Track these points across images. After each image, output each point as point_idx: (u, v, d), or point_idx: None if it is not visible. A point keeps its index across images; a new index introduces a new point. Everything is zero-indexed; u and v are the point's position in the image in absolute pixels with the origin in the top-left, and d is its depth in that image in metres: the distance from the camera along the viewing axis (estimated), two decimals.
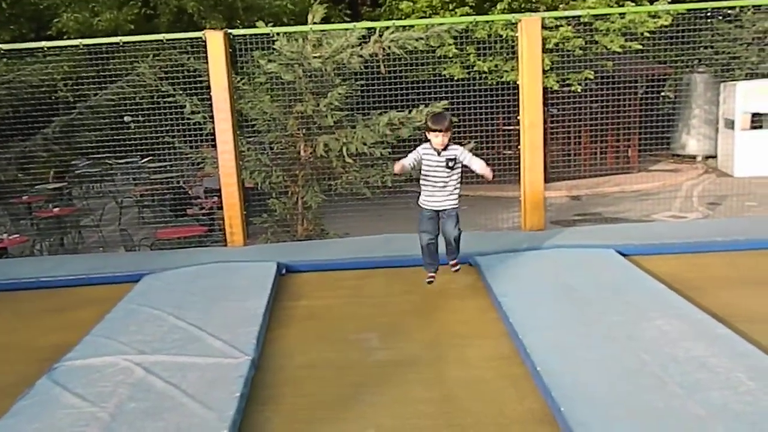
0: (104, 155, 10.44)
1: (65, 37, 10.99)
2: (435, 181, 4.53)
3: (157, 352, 3.66)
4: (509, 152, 7.87)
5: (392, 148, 7.02)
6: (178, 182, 9.77)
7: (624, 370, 3.23)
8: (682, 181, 13.39)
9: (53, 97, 8.94)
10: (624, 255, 5.24)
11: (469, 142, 7.02)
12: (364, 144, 6.80)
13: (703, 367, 3.19)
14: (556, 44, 10.66)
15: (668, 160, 15.04)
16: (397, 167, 4.53)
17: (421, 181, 4.60)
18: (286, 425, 3.13)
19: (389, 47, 6.88)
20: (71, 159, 10.92)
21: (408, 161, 4.51)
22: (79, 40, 6.55)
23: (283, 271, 5.42)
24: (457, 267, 4.88)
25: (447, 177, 4.52)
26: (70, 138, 8.48)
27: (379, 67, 6.99)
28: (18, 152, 7.98)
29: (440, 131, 4.40)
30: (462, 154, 4.48)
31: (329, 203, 7.16)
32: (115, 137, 8.00)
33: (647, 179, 13.29)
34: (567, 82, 11.08)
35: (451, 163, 4.47)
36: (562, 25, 10.70)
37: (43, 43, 6.61)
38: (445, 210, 4.58)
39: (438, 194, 4.56)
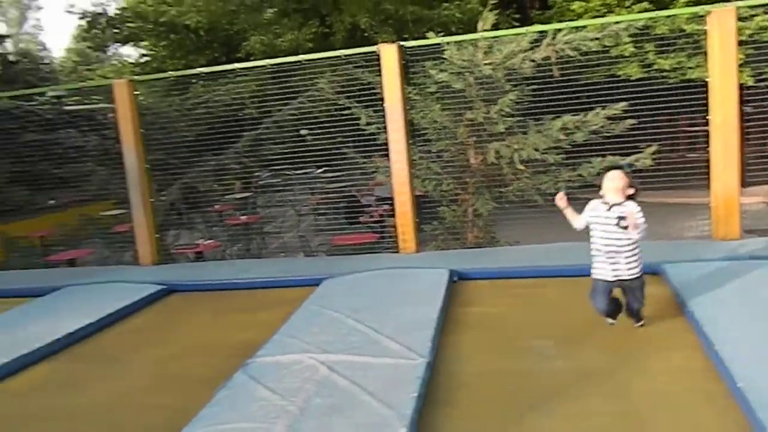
0: (284, 167, 11.19)
1: (252, 58, 11.94)
2: (606, 244, 3.89)
3: (339, 352, 3.83)
4: (694, 155, 7.27)
5: (566, 153, 6.79)
6: (350, 191, 10.20)
7: None
8: None
9: (241, 114, 9.74)
10: None
11: (651, 146, 6.59)
12: (536, 150, 6.65)
13: None
14: (750, 35, 9.69)
15: None
16: (562, 202, 4.05)
17: (591, 246, 4.01)
18: (461, 429, 3.12)
19: (562, 49, 6.67)
20: (255, 171, 11.82)
21: (579, 222, 4.05)
22: (265, 61, 7.08)
23: (456, 278, 5.44)
24: (641, 323, 4.17)
25: (620, 239, 3.84)
26: (257, 151, 9.17)
27: (551, 70, 6.80)
28: (214, 165, 8.79)
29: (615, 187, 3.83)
30: (634, 212, 3.76)
31: (500, 211, 7.07)
32: (294, 150, 8.52)
33: None
34: (763, 76, 10.01)
35: (623, 223, 3.78)
36: (757, 15, 9.71)
37: (235, 65, 7.24)
38: (623, 281, 3.92)
39: (612, 261, 3.89)
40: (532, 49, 6.81)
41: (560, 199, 4.05)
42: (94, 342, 4.99)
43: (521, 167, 6.78)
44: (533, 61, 6.78)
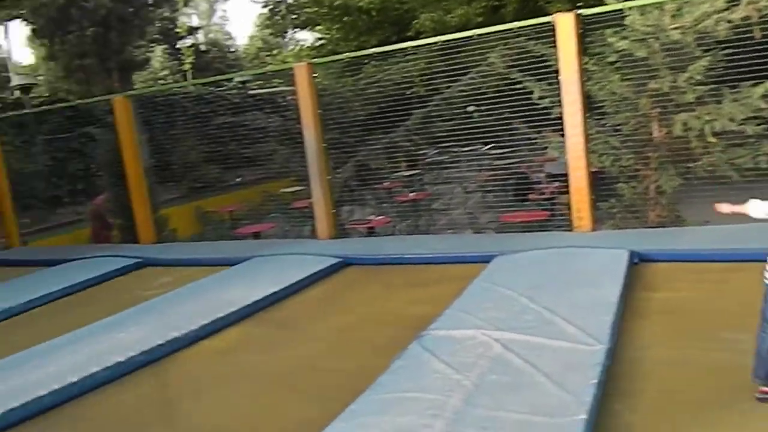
0: (452, 144, 11.21)
1: (422, 36, 12.03)
2: None
3: (513, 331, 3.77)
4: None
5: None
6: (519, 168, 9.98)
7: None
8: None
9: (411, 93, 9.88)
10: None
11: None
12: (732, 120, 6.02)
13: None
14: None
15: None
16: (725, 208, 3.22)
17: None
18: (645, 422, 2.94)
19: (766, 7, 5.95)
20: (424, 148, 11.96)
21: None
22: (436, 38, 7.08)
23: (636, 259, 5.12)
24: None
25: None
26: (426, 129, 9.26)
27: (751, 31, 6.10)
28: (385, 143, 9.03)
29: None
30: None
31: (686, 188, 6.53)
32: (463, 126, 8.48)
33: None
34: None
35: None
36: None
37: (405, 44, 7.33)
38: None
39: None
40: (728, 9, 6.15)
41: (722, 207, 3.25)
42: (278, 309, 5.37)
43: (713, 140, 6.19)
44: (730, 22, 6.13)
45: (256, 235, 9.15)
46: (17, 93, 13.78)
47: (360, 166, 9.49)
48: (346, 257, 6.47)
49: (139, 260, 7.60)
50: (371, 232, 8.63)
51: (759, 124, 6.05)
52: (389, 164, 10.23)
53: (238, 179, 14.70)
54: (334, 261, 6.30)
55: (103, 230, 9.86)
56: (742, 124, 6.05)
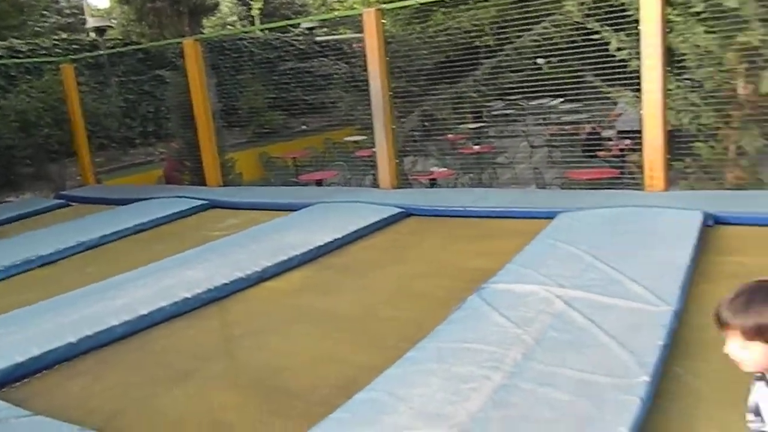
0: (521, 96, 10.91)
1: None
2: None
3: (576, 288, 3.70)
4: None
5: None
6: (589, 123, 9.64)
7: None
8: None
9: (480, 42, 9.60)
10: None
11: None
12: None
13: None
14: None
15: None
16: None
17: None
18: (709, 388, 2.85)
19: None
20: (489, 100, 11.69)
21: None
22: None
23: (710, 222, 4.91)
24: None
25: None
26: (494, 80, 9.02)
27: None
28: (451, 93, 8.85)
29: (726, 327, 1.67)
30: None
31: None
32: (534, 78, 8.21)
33: None
34: None
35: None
36: None
37: None
38: None
39: None
40: None
41: None
42: (340, 255, 5.44)
43: None
44: None
45: (319, 183, 9.23)
46: (93, 35, 14.12)
47: (425, 117, 9.36)
48: (407, 207, 6.45)
49: (206, 202, 7.81)
50: (433, 184, 8.56)
51: None
52: (454, 116, 10.04)
53: (303, 126, 14.80)
54: (395, 211, 6.30)
55: (175, 171, 10.16)
56: None
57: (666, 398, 2.76)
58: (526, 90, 8.47)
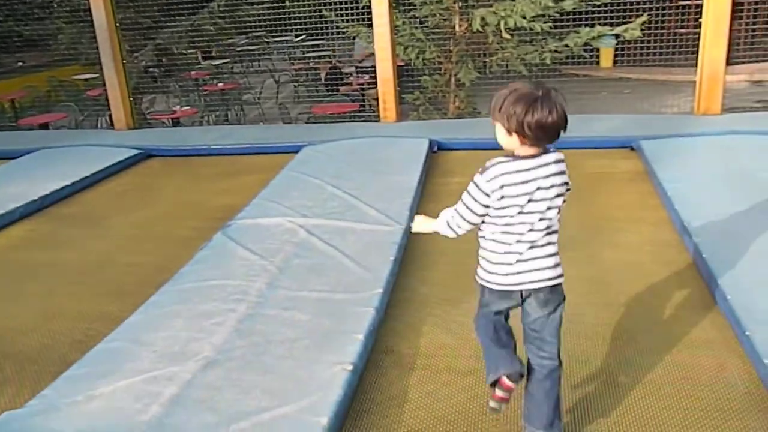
0: (261, 33, 10.74)
1: None
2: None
3: (318, 217, 3.87)
4: (683, 31, 7.10)
5: (554, 22, 6.55)
6: (330, 59, 9.89)
7: None
8: None
9: None
10: None
11: (642, 15, 6.38)
12: (524, 18, 6.40)
13: None
14: None
15: None
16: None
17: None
18: (435, 291, 3.23)
19: None
20: (230, 36, 11.34)
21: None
22: None
23: (435, 148, 5.43)
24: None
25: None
26: (234, 13, 8.74)
27: None
28: (188, 25, 8.39)
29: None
30: None
31: (482, 81, 6.93)
32: (271, 13, 8.11)
33: None
34: None
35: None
36: None
37: None
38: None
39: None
40: None
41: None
42: (72, 204, 4.99)
43: (507, 36, 6.57)
44: None
45: (44, 126, 8.24)
46: None
47: (160, 51, 8.79)
48: (147, 149, 6.11)
49: None
50: (176, 124, 8.16)
51: (546, 22, 6.50)
52: (195, 51, 9.57)
53: (19, 64, 12.95)
54: (133, 152, 5.92)
55: None
56: (532, 21, 6.45)
57: (398, 306, 3.07)
58: (266, 25, 8.37)
